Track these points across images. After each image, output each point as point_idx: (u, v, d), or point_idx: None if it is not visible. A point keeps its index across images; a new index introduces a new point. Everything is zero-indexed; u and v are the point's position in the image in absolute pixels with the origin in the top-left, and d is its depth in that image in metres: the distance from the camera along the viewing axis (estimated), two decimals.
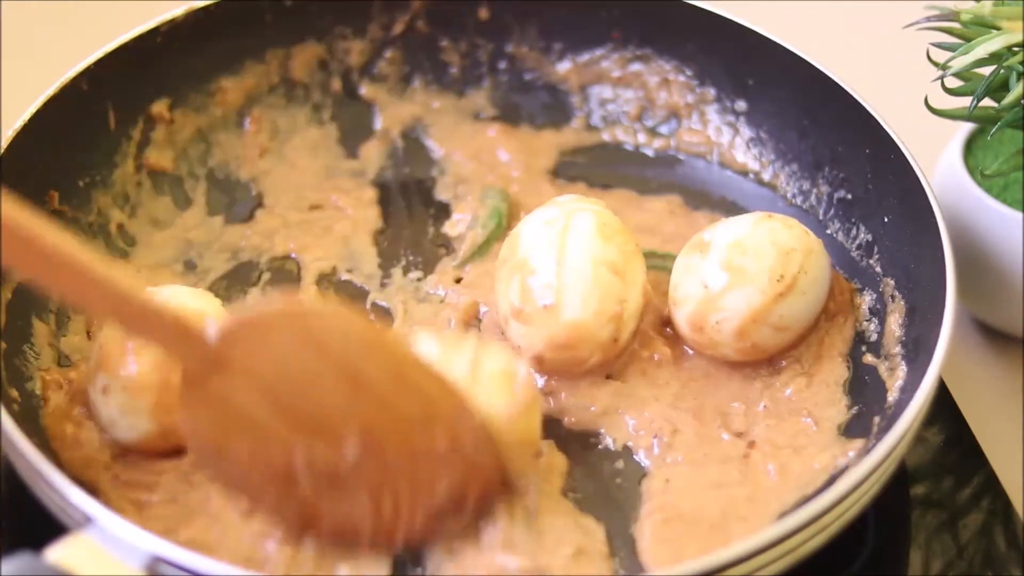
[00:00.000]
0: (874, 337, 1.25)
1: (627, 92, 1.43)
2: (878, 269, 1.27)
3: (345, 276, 1.31)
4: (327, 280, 1.31)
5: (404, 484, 1.06)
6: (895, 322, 1.23)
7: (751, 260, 1.19)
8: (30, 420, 1.14)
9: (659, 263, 1.28)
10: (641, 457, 1.18)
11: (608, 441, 1.19)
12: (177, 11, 1.35)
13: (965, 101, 1.26)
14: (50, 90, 1.26)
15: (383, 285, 1.30)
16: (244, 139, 1.39)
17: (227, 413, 1.04)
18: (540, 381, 1.21)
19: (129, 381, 1.12)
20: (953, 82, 1.24)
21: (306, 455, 1.05)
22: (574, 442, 1.19)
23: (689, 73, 1.41)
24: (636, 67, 1.43)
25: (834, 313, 1.25)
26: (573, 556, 1.09)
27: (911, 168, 1.23)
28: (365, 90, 1.44)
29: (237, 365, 1.03)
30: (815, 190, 1.35)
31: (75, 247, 0.98)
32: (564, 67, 1.44)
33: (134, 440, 1.14)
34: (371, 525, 1.07)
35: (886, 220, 1.27)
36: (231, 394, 1.04)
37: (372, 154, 1.42)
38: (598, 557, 1.11)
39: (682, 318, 1.22)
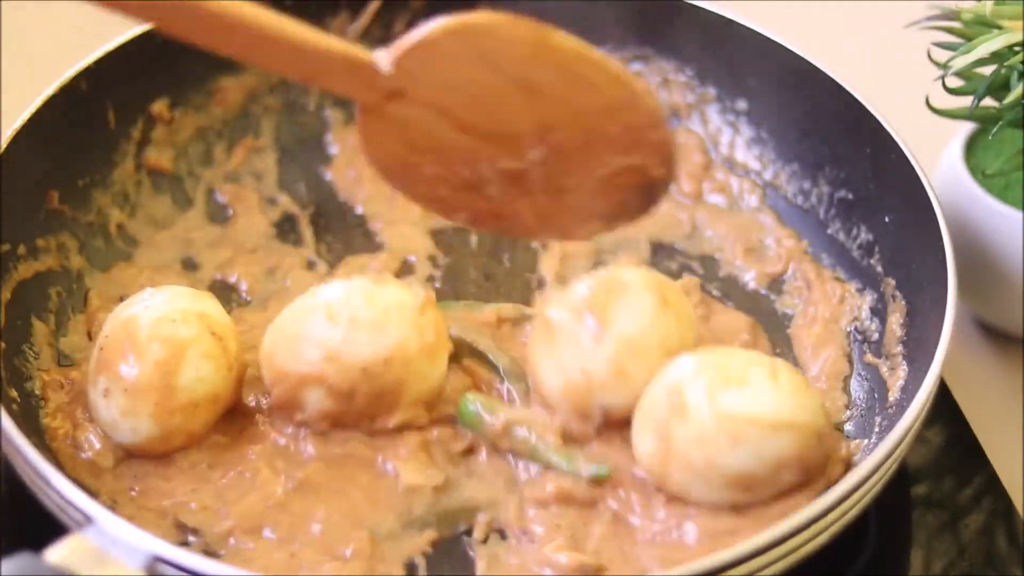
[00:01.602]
0: (875, 337, 1.24)
1: None
2: (879, 269, 1.27)
3: None
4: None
5: (585, 168, 1.10)
6: (896, 322, 1.23)
7: None
8: (30, 420, 1.14)
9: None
10: None
11: None
12: None
13: (966, 100, 1.26)
14: (50, 90, 1.26)
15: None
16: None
17: (409, 135, 1.07)
18: None
19: (129, 384, 1.12)
20: (954, 81, 1.24)
21: (491, 161, 1.09)
22: None
23: (689, 73, 1.41)
24: (636, 67, 1.43)
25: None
26: None
27: (912, 168, 1.23)
28: None
29: (412, 90, 1.05)
30: (816, 190, 1.35)
31: (233, 3, 1.00)
32: None
33: (135, 443, 1.13)
34: (558, 210, 1.12)
35: (887, 220, 1.27)
36: (411, 118, 1.06)
37: None
38: None
39: None
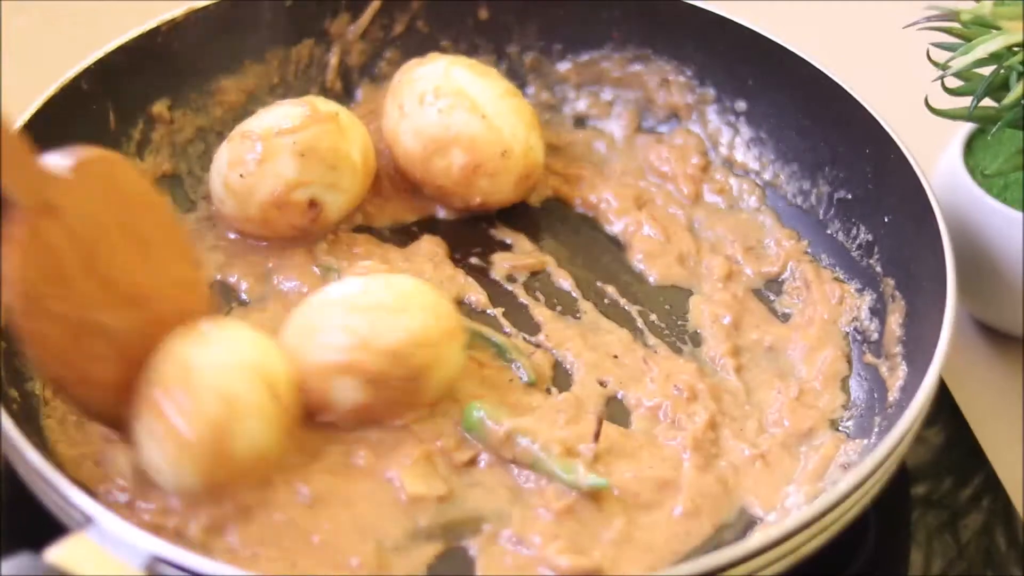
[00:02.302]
0: (874, 337, 1.25)
1: (627, 92, 1.43)
2: (878, 269, 1.27)
3: None
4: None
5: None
6: (895, 322, 1.23)
7: None
8: (30, 420, 1.14)
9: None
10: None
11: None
12: (177, 11, 1.35)
13: (965, 101, 1.26)
14: (50, 90, 1.26)
15: None
16: None
17: (47, 257, 1.04)
18: None
19: (181, 439, 1.08)
20: (953, 82, 1.24)
21: (95, 310, 1.06)
22: None
23: (689, 73, 1.41)
24: (636, 67, 1.43)
25: None
26: None
27: (911, 168, 1.23)
28: (365, 90, 1.44)
29: (67, 209, 1.03)
30: (815, 190, 1.35)
31: None
32: (564, 67, 1.44)
33: (171, 486, 1.10)
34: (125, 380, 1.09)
35: (886, 220, 1.27)
36: (53, 238, 1.03)
37: None
38: None
39: None
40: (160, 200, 1.13)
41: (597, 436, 1.18)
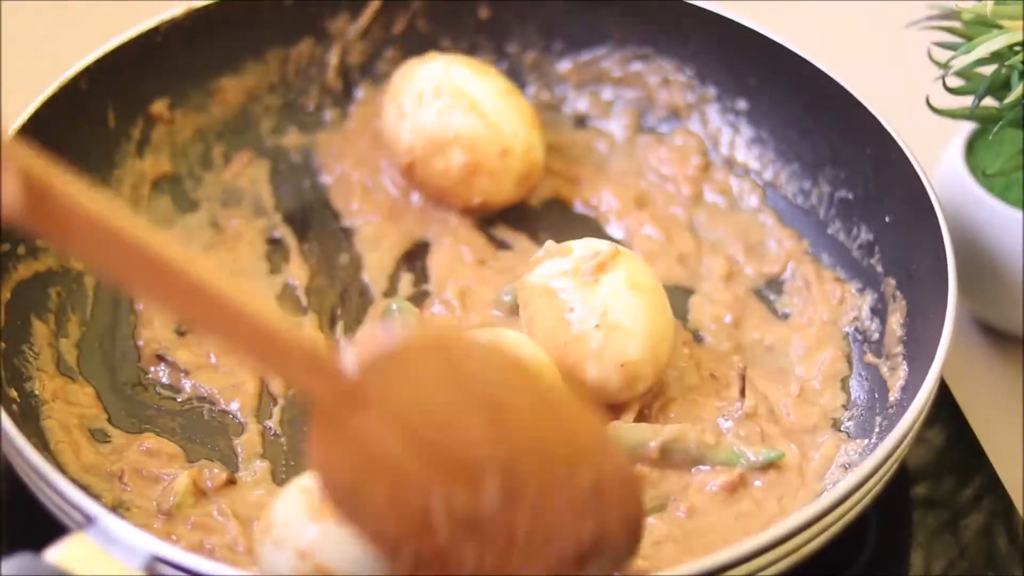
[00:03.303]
0: (875, 337, 1.24)
1: (627, 92, 1.43)
2: (879, 269, 1.27)
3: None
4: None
5: (544, 526, 0.97)
6: (896, 322, 1.23)
7: None
8: (30, 420, 1.14)
9: None
10: None
11: None
12: (177, 11, 1.34)
13: (967, 100, 1.26)
14: (50, 90, 1.26)
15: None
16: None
17: (363, 453, 0.95)
18: None
19: (309, 553, 1.03)
20: (955, 81, 1.24)
21: (444, 498, 0.95)
22: None
23: (690, 72, 1.41)
24: (637, 66, 1.43)
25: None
26: None
27: (912, 167, 1.23)
28: (365, 90, 1.44)
29: (374, 402, 0.93)
30: (816, 190, 1.34)
31: (204, 270, 0.88)
32: (564, 66, 1.44)
33: None
34: (505, 560, 0.97)
35: (887, 220, 1.27)
36: (367, 433, 0.94)
37: None
38: None
39: None
40: (527, 369, 0.99)
41: (743, 392, 1.19)
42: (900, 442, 1.08)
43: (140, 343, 1.24)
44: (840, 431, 1.20)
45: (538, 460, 0.96)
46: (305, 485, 1.04)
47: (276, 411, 1.21)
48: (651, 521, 1.12)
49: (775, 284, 1.32)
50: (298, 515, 1.03)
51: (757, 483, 1.15)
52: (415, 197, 1.36)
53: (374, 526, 0.97)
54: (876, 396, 1.20)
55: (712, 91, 1.41)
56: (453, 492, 0.95)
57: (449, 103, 1.31)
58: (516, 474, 0.95)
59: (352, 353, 0.93)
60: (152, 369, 1.23)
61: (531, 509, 0.96)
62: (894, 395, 1.18)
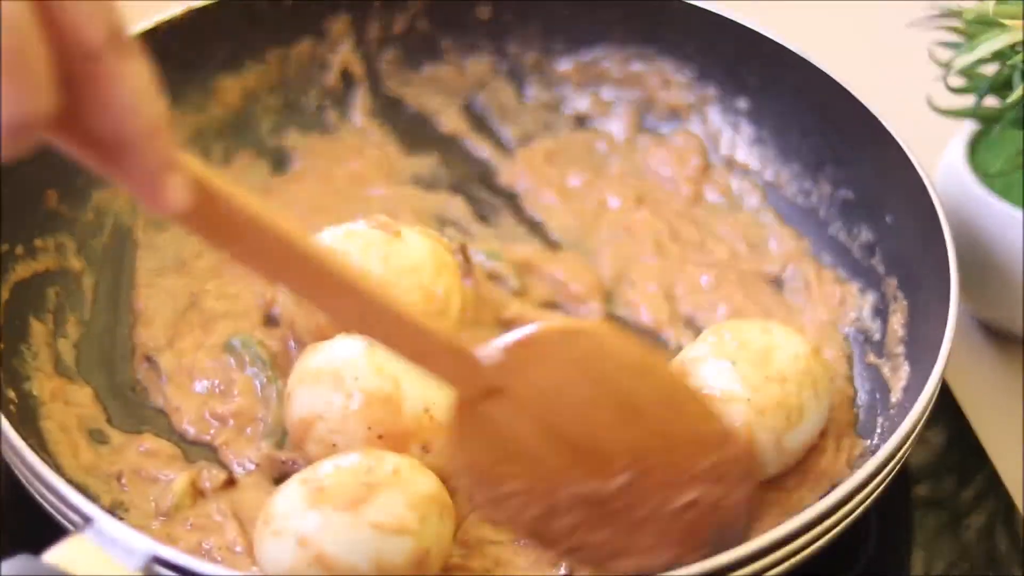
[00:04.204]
0: (877, 337, 1.24)
1: (628, 92, 1.43)
2: (880, 269, 1.27)
3: None
4: None
5: (665, 509, 1.03)
6: (898, 322, 1.23)
7: None
8: (28, 421, 1.14)
9: None
10: None
11: None
12: (177, 11, 1.34)
13: (968, 100, 1.26)
14: None
15: None
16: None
17: (499, 440, 1.00)
18: None
19: (310, 541, 1.02)
20: (956, 81, 1.24)
21: (576, 482, 1.01)
22: None
23: (690, 73, 1.41)
24: (637, 66, 1.42)
25: None
26: None
27: (913, 167, 1.23)
28: (365, 89, 1.43)
29: (511, 389, 0.98)
30: (816, 190, 1.34)
31: (347, 266, 0.93)
32: (565, 66, 1.44)
33: None
34: (629, 550, 1.04)
35: (888, 220, 1.27)
36: (504, 420, 0.99)
37: None
38: None
39: None
40: (655, 362, 1.05)
41: None
42: (903, 443, 1.07)
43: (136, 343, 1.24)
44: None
45: (663, 447, 1.03)
46: (305, 477, 1.04)
47: None
48: None
49: (775, 284, 1.32)
50: (298, 504, 1.03)
51: None
52: None
53: (507, 509, 1.02)
54: (878, 397, 1.20)
55: (712, 91, 1.40)
56: (584, 476, 1.01)
57: None
58: (643, 460, 1.02)
59: (488, 345, 0.98)
60: (141, 368, 1.22)
61: (654, 492, 1.02)
62: (896, 396, 1.18)
